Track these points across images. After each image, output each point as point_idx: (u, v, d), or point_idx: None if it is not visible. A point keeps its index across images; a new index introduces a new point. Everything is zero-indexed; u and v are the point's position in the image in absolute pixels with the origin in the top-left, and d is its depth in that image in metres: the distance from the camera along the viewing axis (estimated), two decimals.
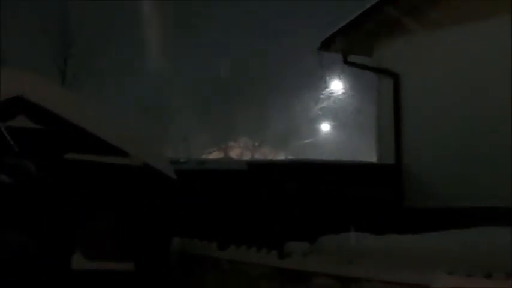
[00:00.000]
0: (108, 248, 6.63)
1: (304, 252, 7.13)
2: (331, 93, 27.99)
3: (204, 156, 27.82)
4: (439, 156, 10.72)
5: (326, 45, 11.98)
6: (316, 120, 31.75)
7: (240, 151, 32.20)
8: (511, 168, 9.61)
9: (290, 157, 27.77)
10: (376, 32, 11.68)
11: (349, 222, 9.22)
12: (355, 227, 7.95)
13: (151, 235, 6.87)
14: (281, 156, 30.57)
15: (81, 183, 6.61)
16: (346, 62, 12.10)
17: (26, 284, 6.35)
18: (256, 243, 7.28)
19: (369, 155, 19.50)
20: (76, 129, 6.48)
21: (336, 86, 26.65)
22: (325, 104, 29.44)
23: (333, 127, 32.10)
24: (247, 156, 30.69)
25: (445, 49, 10.82)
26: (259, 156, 31.26)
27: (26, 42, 23.60)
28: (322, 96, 28.98)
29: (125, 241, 6.69)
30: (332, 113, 30.23)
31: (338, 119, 30.79)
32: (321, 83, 24.07)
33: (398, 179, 11.15)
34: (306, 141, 31.65)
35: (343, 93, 28.02)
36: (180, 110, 30.24)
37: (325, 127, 32.50)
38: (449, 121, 10.67)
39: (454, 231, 7.08)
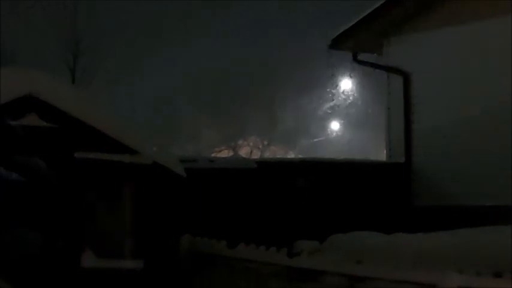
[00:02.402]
0: (118, 246, 6.66)
1: (314, 250, 7.14)
2: (341, 91, 27.94)
3: (213, 155, 27.85)
4: (448, 155, 10.71)
5: (336, 43, 11.98)
6: (326, 118, 31.73)
7: (250, 150, 32.19)
8: None
9: (299, 156, 27.80)
10: (386, 30, 11.67)
11: (358, 221, 9.24)
12: (365, 225, 7.96)
13: (161, 233, 6.90)
14: (290, 155, 30.56)
15: (91, 182, 6.64)
16: (356, 60, 12.10)
17: (37, 281, 6.40)
18: (265, 241, 7.30)
19: (378, 153, 19.51)
20: (86, 127, 6.52)
21: (346, 84, 26.59)
22: (335, 102, 29.38)
23: (343, 126, 32.05)
24: (256, 155, 30.67)
25: (455, 47, 10.80)
26: (268, 154, 31.24)
27: (35, 41, 23.67)
28: (332, 94, 28.92)
29: (134, 239, 6.72)
30: (342, 111, 30.14)
31: (348, 118, 30.73)
32: (331, 81, 24.04)
33: (407, 177, 11.15)
34: (316, 139, 31.65)
35: (353, 91, 28.00)
36: (190, 109, 30.29)
37: (335, 126, 32.47)
38: (459, 120, 10.65)
39: (464, 230, 7.08)
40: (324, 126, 32.28)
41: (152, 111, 29.40)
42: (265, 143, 32.51)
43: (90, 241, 6.56)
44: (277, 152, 31.72)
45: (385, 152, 12.40)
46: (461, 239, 6.57)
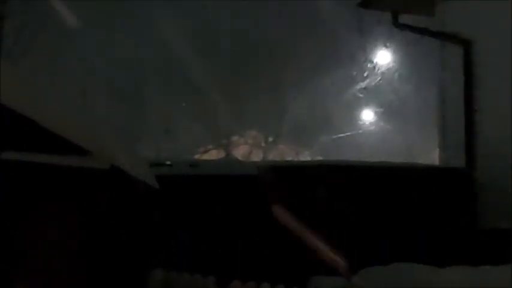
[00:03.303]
0: (60, 285, 6.66)
1: None
2: (375, 68, 27.96)
3: (196, 157, 27.85)
4: None
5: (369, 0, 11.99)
6: (355, 106, 31.74)
7: (248, 149, 32.26)
8: None
9: (318, 157, 27.82)
10: None
11: (401, 248, 9.22)
12: (410, 254, 7.95)
13: (122, 267, 6.89)
14: (305, 157, 30.61)
15: (22, 193, 6.63)
16: (396, 24, 12.10)
17: None
18: (269, 277, 7.29)
19: (429, 155, 19.52)
20: (15, 117, 6.50)
21: (383, 58, 26.64)
22: (367, 83, 29.40)
23: (378, 116, 32.06)
24: (257, 157, 30.74)
25: None
26: (274, 156, 31.31)
27: None
28: (363, 72, 28.94)
29: (84, 275, 6.72)
30: (377, 96, 30.19)
31: (385, 105, 30.74)
32: (361, 53, 24.03)
33: (470, 189, 11.14)
34: (341, 135, 31.67)
35: (392, 68, 28.01)
36: (165, 93, 30.29)
37: (367, 116, 32.49)
38: None
39: None
40: (352, 117, 32.30)
41: (112, 96, 29.43)
42: (270, 139, 32.56)
43: (20, 278, 6.55)
44: (286, 153, 31.78)
45: (437, 153, 12.41)
46: None
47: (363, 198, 10.42)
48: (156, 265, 7.60)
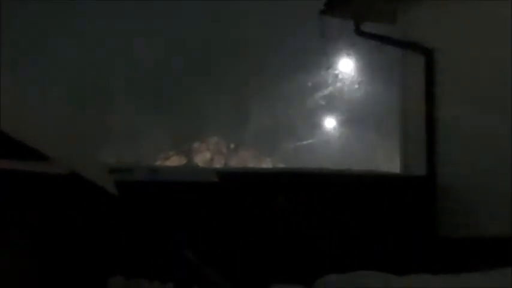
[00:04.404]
0: None
1: None
2: (337, 75, 27.99)
3: (157, 163, 27.77)
4: (487, 168, 10.72)
5: (331, 8, 12.00)
6: (318, 113, 31.83)
7: (209, 156, 32.22)
8: None
9: (280, 165, 27.85)
10: None
11: (361, 256, 9.23)
12: (370, 262, 7.96)
13: (80, 274, 6.84)
14: (267, 164, 30.63)
15: None
16: (358, 31, 12.12)
17: None
18: (230, 284, 7.27)
19: (389, 162, 19.60)
20: None
21: (345, 65, 26.63)
22: (329, 91, 29.46)
23: (340, 123, 32.18)
24: (219, 163, 30.72)
25: (499, 16, 10.81)
26: (235, 163, 31.30)
27: None
28: (325, 80, 28.99)
29: (40, 281, 6.66)
30: (339, 103, 30.26)
31: (347, 112, 30.84)
32: (324, 61, 24.03)
33: (430, 197, 11.18)
34: (302, 142, 31.74)
35: (354, 75, 28.06)
36: (127, 99, 30.19)
37: (329, 123, 32.59)
38: (505, 118, 10.64)
39: (505, 270, 7.12)
40: (314, 124, 32.40)
41: (72, 101, 29.26)
42: (232, 146, 32.56)
43: None
44: (248, 160, 31.78)
45: (398, 160, 12.44)
46: (502, 281, 6.61)
47: (324, 206, 10.42)
48: (115, 271, 7.55)
